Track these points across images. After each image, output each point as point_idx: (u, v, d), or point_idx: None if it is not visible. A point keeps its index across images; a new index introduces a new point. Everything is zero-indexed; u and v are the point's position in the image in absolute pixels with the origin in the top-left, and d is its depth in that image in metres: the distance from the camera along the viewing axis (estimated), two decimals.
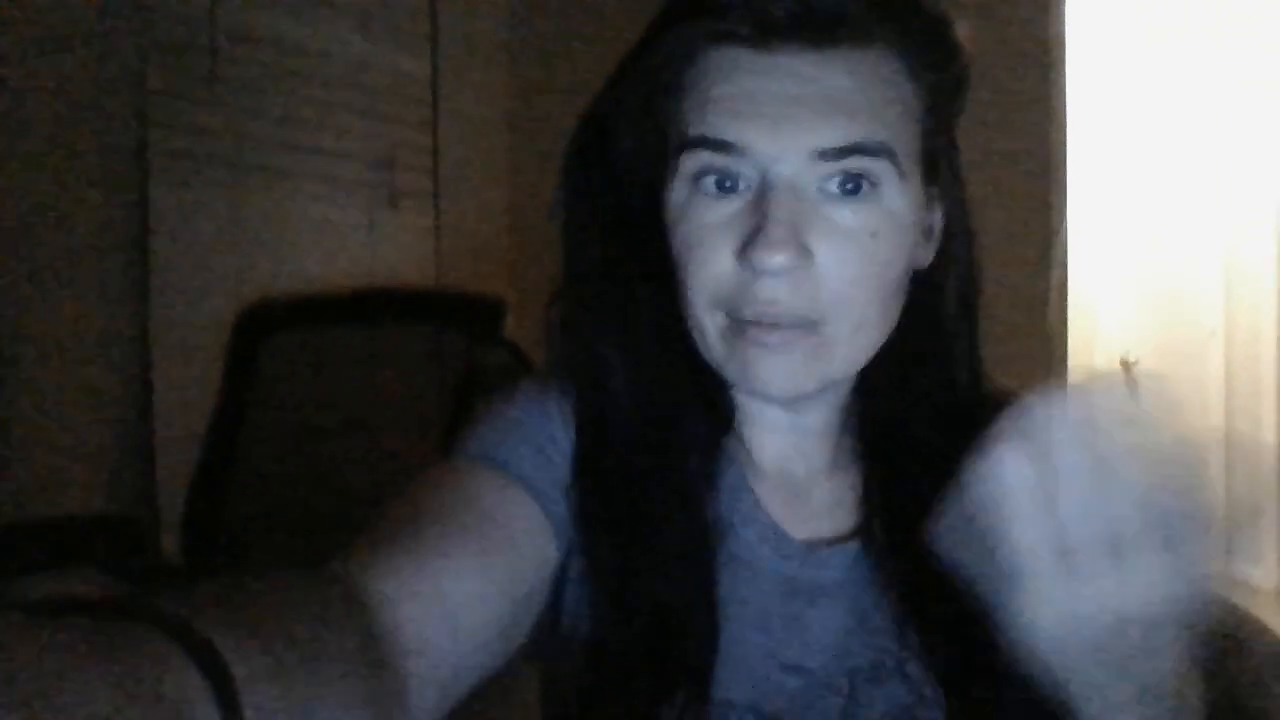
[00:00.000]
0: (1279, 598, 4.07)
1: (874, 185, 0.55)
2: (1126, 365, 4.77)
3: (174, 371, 1.85)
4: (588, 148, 0.62)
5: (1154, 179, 4.63)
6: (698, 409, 0.63)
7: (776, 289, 0.55)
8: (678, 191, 0.58)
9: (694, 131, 0.56)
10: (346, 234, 2.19)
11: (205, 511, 1.54)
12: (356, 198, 2.22)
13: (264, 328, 1.64)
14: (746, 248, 0.54)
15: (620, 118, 0.60)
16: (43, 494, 1.64)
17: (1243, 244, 4.35)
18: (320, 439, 1.63)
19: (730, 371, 0.59)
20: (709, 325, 0.58)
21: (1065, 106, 2.25)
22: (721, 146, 0.55)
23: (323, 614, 0.40)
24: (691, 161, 0.57)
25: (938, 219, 0.62)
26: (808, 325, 0.56)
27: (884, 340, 0.59)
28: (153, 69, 1.82)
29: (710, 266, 0.56)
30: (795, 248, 0.53)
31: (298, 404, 1.63)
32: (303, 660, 0.35)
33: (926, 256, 0.62)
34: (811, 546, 0.64)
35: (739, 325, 0.56)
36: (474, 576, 0.51)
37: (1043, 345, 2.12)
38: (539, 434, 0.61)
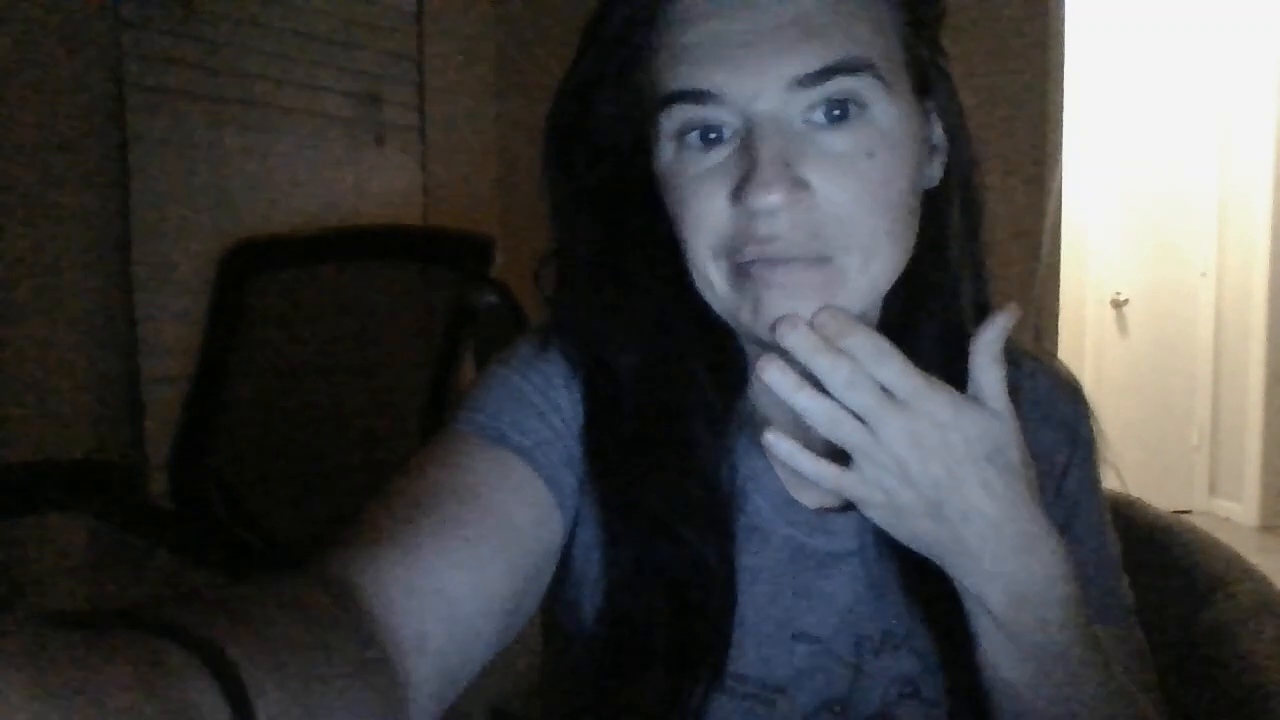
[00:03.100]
0: (1261, 534, 4.14)
1: (862, 106, 0.53)
2: (1117, 304, 4.78)
3: (158, 312, 1.83)
4: (567, 120, 0.60)
5: (1148, 120, 4.59)
6: (706, 374, 0.61)
7: (775, 226, 0.52)
8: (664, 151, 0.56)
9: (669, 87, 0.54)
10: (332, 170, 2.15)
11: (193, 453, 1.54)
12: (341, 133, 2.18)
13: (249, 267, 1.62)
14: (740, 190, 0.52)
15: (595, 87, 0.58)
16: (30, 437, 1.64)
17: (1235, 186, 4.33)
18: (307, 379, 1.62)
19: (743, 319, 0.56)
20: (714, 275, 0.56)
21: (1062, 48, 2.21)
22: (697, 96, 0.53)
23: (324, 618, 0.40)
24: (672, 118, 0.55)
25: (939, 133, 0.59)
26: (818, 260, 0.53)
27: (901, 268, 0.57)
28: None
29: (706, 215, 0.54)
30: (788, 183, 0.51)
31: (284, 344, 1.62)
32: (307, 666, 0.35)
33: (934, 175, 0.59)
34: (823, 513, 0.62)
35: (743, 267, 0.54)
36: (472, 568, 0.50)
37: (1036, 284, 2.11)
38: (541, 401, 0.59)
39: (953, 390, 0.52)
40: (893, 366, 0.51)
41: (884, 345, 0.51)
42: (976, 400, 0.53)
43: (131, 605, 0.33)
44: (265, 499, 1.54)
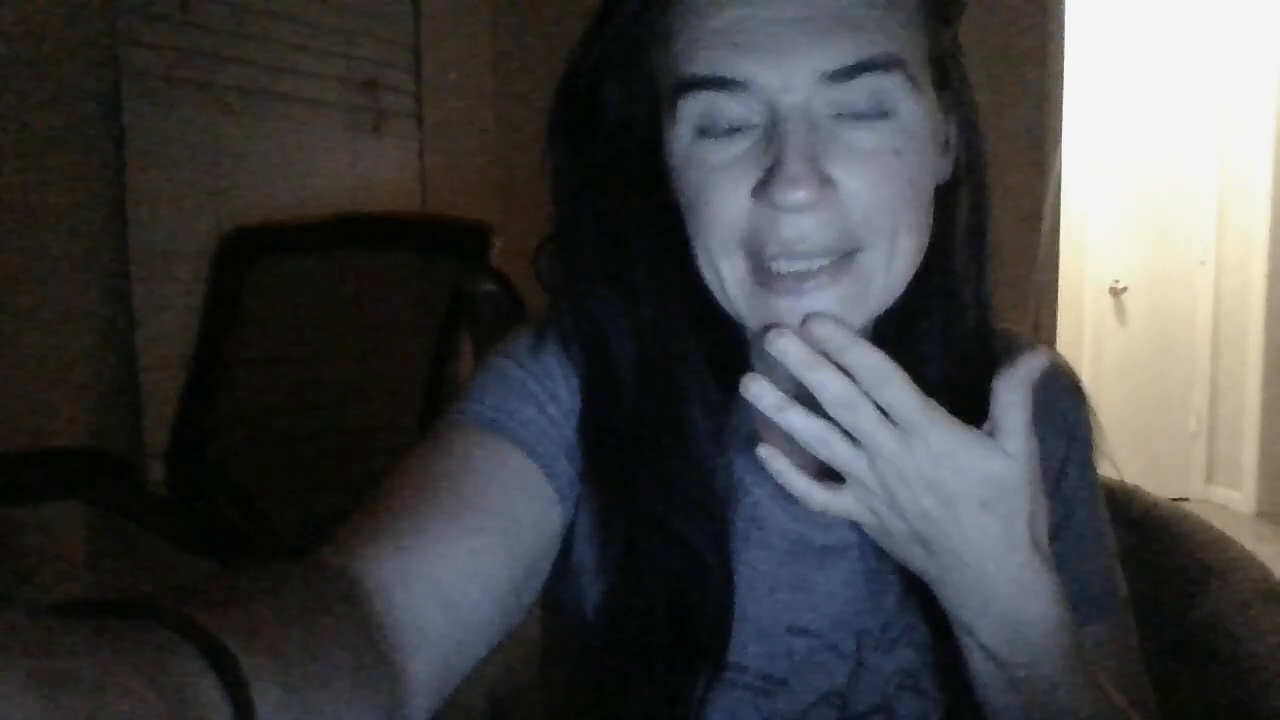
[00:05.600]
0: (1258, 521, 4.16)
1: (891, 103, 0.51)
2: (1116, 292, 4.78)
3: (156, 300, 1.82)
4: (574, 101, 0.58)
5: (1148, 108, 4.58)
6: (706, 366, 0.60)
7: (802, 225, 0.50)
8: (679, 138, 0.54)
9: (690, 72, 0.52)
10: (329, 158, 2.14)
11: (191, 442, 1.54)
12: (338, 120, 2.17)
13: (246, 255, 1.61)
14: (765, 185, 0.50)
15: (605, 69, 0.56)
16: (28, 427, 1.64)
17: (1235, 175, 4.33)
18: (305, 367, 1.62)
19: (755, 322, 0.54)
20: (727, 272, 0.54)
21: (1062, 36, 2.21)
22: (722, 84, 0.51)
23: (324, 612, 0.39)
24: (691, 104, 0.52)
25: (951, 129, 0.58)
26: (842, 257, 0.52)
27: (917, 264, 0.55)
28: None
29: (726, 208, 0.52)
30: (816, 180, 0.49)
31: (281, 332, 1.62)
32: (306, 658, 0.35)
33: (945, 171, 0.58)
34: None
35: (765, 275, 0.52)
36: (471, 558, 0.49)
37: (1035, 271, 2.11)
38: (539, 392, 0.59)
39: (956, 424, 0.50)
40: (894, 389, 0.49)
41: (887, 365, 0.49)
42: (987, 438, 0.50)
43: (134, 597, 0.33)
44: (263, 487, 1.54)
